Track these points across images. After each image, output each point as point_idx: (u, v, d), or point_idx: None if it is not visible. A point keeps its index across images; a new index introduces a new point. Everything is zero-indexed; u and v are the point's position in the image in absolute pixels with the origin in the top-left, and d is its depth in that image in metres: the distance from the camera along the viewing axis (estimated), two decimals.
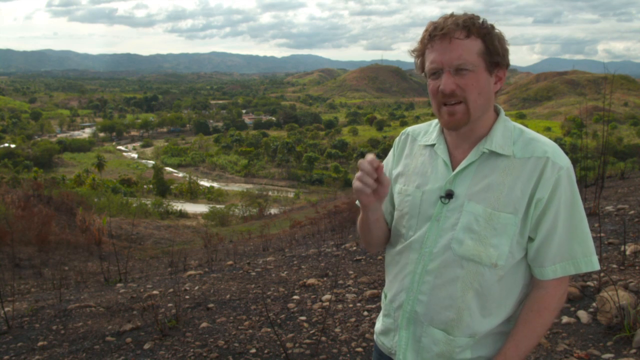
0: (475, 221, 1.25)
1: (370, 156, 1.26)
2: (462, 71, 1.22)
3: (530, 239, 1.27)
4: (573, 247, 1.25)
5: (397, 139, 1.52)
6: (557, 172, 1.23)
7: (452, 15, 1.25)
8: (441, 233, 1.29)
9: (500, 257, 1.25)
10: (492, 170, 1.27)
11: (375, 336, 1.54)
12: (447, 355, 1.31)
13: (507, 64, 1.29)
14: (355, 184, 1.26)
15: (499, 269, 1.26)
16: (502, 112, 1.34)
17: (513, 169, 1.25)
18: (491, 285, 1.26)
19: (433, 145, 1.38)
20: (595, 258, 1.26)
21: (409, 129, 1.50)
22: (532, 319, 1.27)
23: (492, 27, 1.26)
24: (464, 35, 1.22)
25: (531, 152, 1.26)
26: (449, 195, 1.29)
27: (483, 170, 1.28)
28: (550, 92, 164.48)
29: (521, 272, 1.30)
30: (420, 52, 1.31)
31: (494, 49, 1.24)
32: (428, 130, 1.44)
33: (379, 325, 1.52)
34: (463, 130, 1.30)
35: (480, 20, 1.25)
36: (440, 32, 1.23)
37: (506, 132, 1.30)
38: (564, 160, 1.25)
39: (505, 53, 1.27)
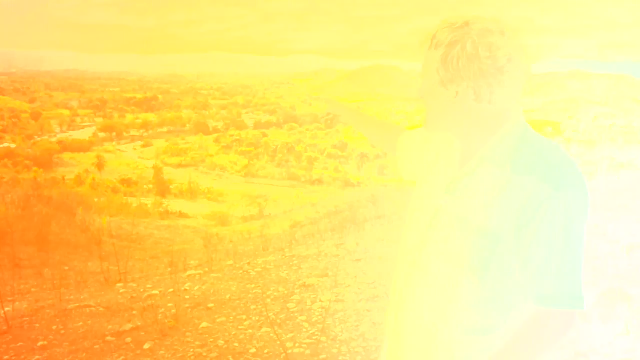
0: (461, 236, 1.23)
1: None
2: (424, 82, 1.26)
3: (518, 263, 1.18)
4: (560, 284, 1.14)
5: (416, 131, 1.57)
6: (549, 198, 1.10)
7: (446, 22, 1.20)
8: (430, 241, 1.31)
9: (483, 275, 1.20)
10: (484, 184, 1.21)
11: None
12: None
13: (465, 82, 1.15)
14: None
15: (482, 285, 1.21)
16: (509, 122, 1.22)
17: (504, 186, 1.16)
18: (477, 300, 1.23)
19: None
20: (581, 300, 1.15)
21: None
22: (517, 344, 1.19)
23: (472, 40, 1.12)
24: (427, 47, 1.22)
25: (529, 170, 1.14)
26: (440, 205, 1.30)
27: (474, 184, 1.23)
28: None
29: (510, 292, 1.22)
30: None
31: (445, 64, 1.16)
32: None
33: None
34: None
35: (456, 28, 1.15)
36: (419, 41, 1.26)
37: (505, 143, 1.21)
38: (564, 185, 1.11)
39: (459, 71, 1.14)
